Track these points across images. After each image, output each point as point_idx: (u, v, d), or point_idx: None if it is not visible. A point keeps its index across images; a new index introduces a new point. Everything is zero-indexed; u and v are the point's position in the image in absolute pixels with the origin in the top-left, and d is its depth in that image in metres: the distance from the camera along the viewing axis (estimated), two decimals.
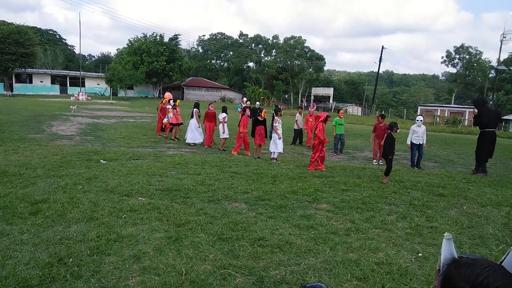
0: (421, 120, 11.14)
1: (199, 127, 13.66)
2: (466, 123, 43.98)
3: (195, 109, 13.77)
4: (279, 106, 13.77)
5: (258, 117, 11.83)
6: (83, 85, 50.82)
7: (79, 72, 50.61)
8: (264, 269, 4.01)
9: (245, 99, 19.87)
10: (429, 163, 12.27)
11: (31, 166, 8.21)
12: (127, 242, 4.54)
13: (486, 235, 5.27)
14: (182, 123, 15.00)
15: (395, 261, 4.32)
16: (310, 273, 3.97)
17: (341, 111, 14.02)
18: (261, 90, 56.90)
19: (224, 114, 12.90)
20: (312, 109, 15.48)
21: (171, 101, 15.16)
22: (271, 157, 11.24)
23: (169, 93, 16.80)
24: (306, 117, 14.91)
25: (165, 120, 15.01)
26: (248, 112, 12.31)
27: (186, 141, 13.69)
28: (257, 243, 4.69)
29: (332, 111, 51.12)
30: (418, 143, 10.98)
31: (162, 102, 15.56)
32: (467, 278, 1.06)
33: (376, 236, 5.08)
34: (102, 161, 9.32)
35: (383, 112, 32.48)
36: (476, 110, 10.84)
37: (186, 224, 5.20)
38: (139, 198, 6.35)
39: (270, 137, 15.09)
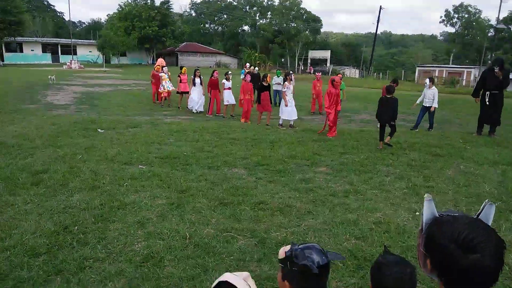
0: (426, 83, 11.18)
1: (203, 95, 13.45)
2: (464, 83, 43.76)
3: (192, 77, 13.52)
4: (290, 71, 13.04)
5: (263, 83, 11.37)
6: (75, 53, 49.73)
7: (70, 40, 49.44)
8: (266, 231, 4.12)
9: (248, 64, 19.29)
10: (426, 123, 12.29)
11: (28, 137, 8.19)
12: (130, 209, 4.62)
13: (482, 193, 5.39)
14: (188, 92, 14.23)
15: (393, 220, 4.43)
16: (310, 234, 4.08)
17: (338, 74, 13.66)
18: (257, 54, 55.97)
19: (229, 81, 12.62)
20: (319, 74, 15.06)
21: (165, 68, 14.84)
22: (279, 123, 10.96)
23: (161, 59, 16.36)
24: (314, 82, 14.65)
25: (160, 89, 14.59)
26: (248, 77, 11.98)
27: (189, 107, 13.63)
28: (257, 206, 4.78)
29: (330, 74, 50.59)
30: (426, 106, 11.01)
31: (154, 69, 15.27)
32: (449, 236, 1.09)
33: (374, 197, 5.19)
34: (99, 130, 9.30)
35: (381, 75, 32.00)
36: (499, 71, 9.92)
37: (187, 190, 5.27)
38: (139, 165, 6.39)
39: (276, 104, 14.95)
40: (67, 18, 71.01)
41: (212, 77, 12.89)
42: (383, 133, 8.27)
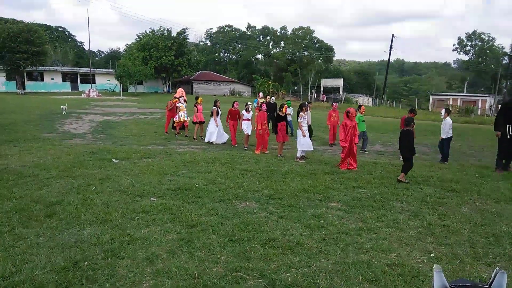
0: (441, 113, 11.16)
1: (217, 126, 13.17)
2: (479, 112, 43.28)
3: (213, 108, 13.28)
4: (305, 102, 12.81)
5: (280, 113, 11.30)
6: (94, 82, 51.29)
7: (89, 69, 51.06)
8: (276, 272, 4.05)
9: (261, 94, 19.33)
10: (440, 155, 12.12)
11: (45, 167, 8.35)
12: (140, 245, 4.61)
13: (499, 233, 5.22)
14: (204, 122, 14.25)
15: (407, 262, 4.31)
16: (321, 276, 3.99)
17: (362, 106, 12.96)
18: (270, 82, 56.69)
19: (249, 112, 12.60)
20: (336, 105, 15.04)
21: (181, 98, 14.98)
22: (296, 156, 10.71)
23: (181, 89, 16.57)
24: (329, 112, 14.63)
25: (176, 118, 14.64)
26: (264, 107, 12.04)
27: (205, 140, 13.38)
28: (268, 244, 4.72)
29: (343, 102, 50.75)
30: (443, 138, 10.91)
31: (172, 100, 15.37)
32: None
33: (387, 236, 5.07)
34: (114, 160, 9.44)
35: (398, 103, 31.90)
36: None
37: (198, 225, 5.25)
38: (151, 198, 6.42)
39: (292, 134, 14.95)
40: (87, 48, 73.59)
41: (233, 108, 12.91)
42: (405, 166, 8.29)
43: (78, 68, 56.62)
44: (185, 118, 14.65)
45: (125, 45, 74.81)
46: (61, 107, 22.10)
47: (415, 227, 5.40)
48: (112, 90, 53.27)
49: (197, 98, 14.79)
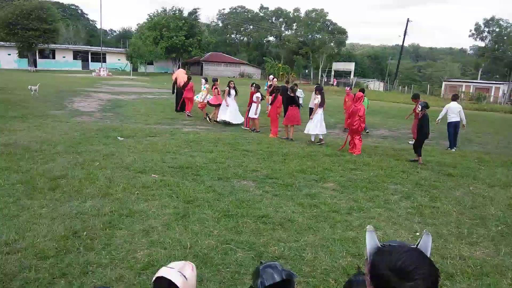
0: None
1: (227, 106, 13.01)
2: (491, 99, 42.57)
3: (226, 88, 13.04)
4: (319, 84, 12.34)
5: (291, 95, 11.21)
6: (104, 61, 51.47)
7: (100, 48, 51.21)
8: (264, 245, 4.24)
9: (271, 76, 18.93)
10: (446, 141, 12.11)
11: (52, 142, 8.61)
12: (138, 217, 4.83)
13: (487, 215, 5.33)
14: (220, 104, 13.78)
15: (393, 239, 4.45)
16: (307, 250, 4.17)
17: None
18: (280, 65, 56.30)
19: (258, 94, 12.28)
20: (349, 89, 14.83)
21: (206, 83, 14.54)
22: (312, 139, 10.68)
23: (181, 70, 16.43)
24: (345, 98, 14.47)
25: (198, 99, 14.53)
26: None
27: (218, 120, 13.27)
28: (260, 220, 4.90)
29: (353, 86, 50.27)
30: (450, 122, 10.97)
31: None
32: (388, 264, 1.22)
33: (377, 215, 5.22)
34: (119, 138, 9.66)
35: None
36: None
37: (195, 201, 5.46)
38: (152, 175, 6.64)
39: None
40: (99, 27, 73.65)
41: (252, 90, 12.63)
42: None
43: (89, 47, 56.80)
44: (203, 100, 14.37)
45: (137, 25, 74.70)
46: (29, 87, 18.44)
47: (405, 208, 5.54)
48: (122, 69, 53.47)
49: (215, 80, 14.44)
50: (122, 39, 68.09)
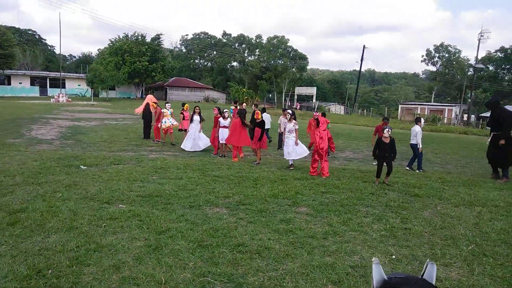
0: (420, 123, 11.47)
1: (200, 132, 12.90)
2: (445, 121, 44.97)
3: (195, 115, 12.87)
4: (290, 110, 12.42)
5: (257, 119, 11.25)
6: (64, 86, 49.98)
7: (59, 73, 49.73)
8: (243, 276, 4.11)
9: (233, 106, 19.01)
10: (407, 162, 12.54)
11: (9, 173, 8.11)
12: (107, 252, 4.56)
13: (458, 235, 5.48)
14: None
15: (370, 263, 4.43)
16: (287, 279, 4.08)
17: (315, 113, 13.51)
18: (245, 90, 56.95)
19: (227, 120, 12.23)
20: (317, 114, 15.13)
21: (167, 104, 14.49)
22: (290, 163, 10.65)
23: (150, 96, 16.38)
24: (310, 121, 14.69)
25: (160, 125, 14.28)
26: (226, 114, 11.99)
27: (187, 149, 12.87)
28: (236, 249, 4.77)
29: (316, 110, 51.53)
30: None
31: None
32: None
33: (352, 239, 5.23)
34: (82, 166, 9.26)
35: (363, 110, 32.81)
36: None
37: (167, 232, 5.25)
38: (120, 205, 6.35)
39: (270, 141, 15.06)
40: (58, 51, 71.74)
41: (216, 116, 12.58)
42: (380, 171, 8.86)
43: (47, 73, 55.05)
44: (172, 123, 14.24)
45: (98, 50, 73.43)
46: None
47: (379, 230, 5.60)
48: (82, 95, 52.08)
49: (183, 104, 14.49)
50: (82, 64, 66.66)
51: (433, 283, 1.33)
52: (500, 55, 63.94)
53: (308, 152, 10.88)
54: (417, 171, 10.95)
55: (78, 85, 53.65)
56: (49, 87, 51.98)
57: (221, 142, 12.26)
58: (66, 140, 14.26)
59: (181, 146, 13.16)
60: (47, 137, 14.65)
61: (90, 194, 6.87)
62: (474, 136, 28.40)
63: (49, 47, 76.28)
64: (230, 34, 77.10)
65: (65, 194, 6.80)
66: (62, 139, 14.51)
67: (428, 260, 1.23)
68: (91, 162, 9.76)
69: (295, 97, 63.65)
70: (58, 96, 41.98)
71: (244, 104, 18.83)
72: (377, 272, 1.32)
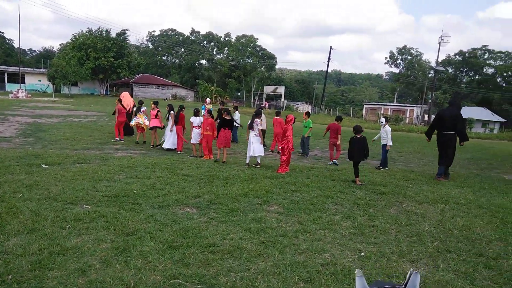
0: (381, 121, 11.85)
1: (171, 130, 12.69)
2: (407, 121, 46.59)
3: (172, 112, 12.73)
4: (263, 106, 12.44)
5: (226, 117, 11.21)
6: (23, 82, 47.64)
7: (18, 68, 47.39)
8: (215, 277, 4.05)
9: (208, 99, 18.71)
10: (372, 161, 12.88)
11: None
12: (72, 255, 4.38)
13: (423, 232, 5.68)
14: (159, 127, 13.61)
15: (340, 261, 4.54)
16: (259, 278, 4.07)
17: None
18: (213, 88, 56.62)
19: (199, 119, 11.97)
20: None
21: (143, 108, 14.03)
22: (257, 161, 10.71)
23: (126, 93, 15.81)
24: (274, 120, 14.71)
25: (132, 122, 13.88)
26: (207, 113, 11.79)
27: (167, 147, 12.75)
28: (208, 249, 4.71)
29: (284, 109, 51.97)
30: (383, 144, 11.51)
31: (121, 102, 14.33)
32: None
33: (322, 237, 5.30)
34: (43, 165, 8.86)
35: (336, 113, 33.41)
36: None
37: (135, 233, 5.10)
38: (84, 206, 6.12)
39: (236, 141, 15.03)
40: (16, 45, 68.32)
41: (181, 112, 12.60)
42: (357, 170, 9.05)
43: (5, 67, 52.30)
44: (146, 123, 13.77)
45: (60, 45, 70.61)
46: None
47: (348, 228, 5.70)
48: (43, 91, 49.91)
49: (156, 103, 13.98)
50: (43, 59, 63.92)
51: None
52: (459, 58, 67.12)
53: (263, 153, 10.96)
54: (381, 168, 11.28)
55: (39, 81, 51.38)
56: (7, 82, 49.49)
57: (192, 142, 12.14)
58: (26, 137, 13.61)
59: (165, 146, 12.89)
60: (5, 135, 13.92)
61: (53, 194, 6.58)
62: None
63: (7, 41, 72.47)
64: (199, 32, 76.40)
65: (26, 194, 6.48)
66: (22, 136, 13.83)
67: (411, 270, 1.25)
68: (53, 161, 9.36)
69: (264, 96, 63.96)
70: (17, 92, 39.99)
71: (208, 99, 18.63)
72: (360, 284, 1.34)
